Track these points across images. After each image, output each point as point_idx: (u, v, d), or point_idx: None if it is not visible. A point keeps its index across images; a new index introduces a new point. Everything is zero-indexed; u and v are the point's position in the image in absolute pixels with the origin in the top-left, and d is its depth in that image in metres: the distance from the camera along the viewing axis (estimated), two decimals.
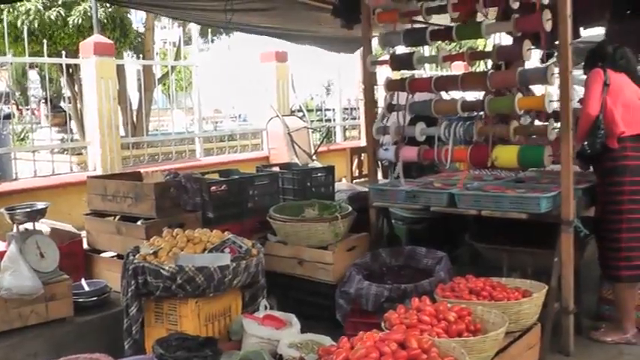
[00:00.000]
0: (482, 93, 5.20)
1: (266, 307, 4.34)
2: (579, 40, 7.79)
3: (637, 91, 4.97)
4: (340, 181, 8.75)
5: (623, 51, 5.04)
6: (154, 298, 4.17)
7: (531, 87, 5.46)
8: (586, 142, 4.76)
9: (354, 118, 15.47)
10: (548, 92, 4.80)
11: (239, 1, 6.54)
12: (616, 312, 5.08)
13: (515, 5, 4.72)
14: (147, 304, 4.25)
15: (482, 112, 4.97)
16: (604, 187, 4.90)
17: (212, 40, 19.69)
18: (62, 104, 16.65)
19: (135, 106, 14.94)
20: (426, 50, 9.93)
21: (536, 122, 5.27)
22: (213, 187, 5.56)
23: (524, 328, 4.02)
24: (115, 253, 5.46)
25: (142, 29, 16.58)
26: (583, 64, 5.12)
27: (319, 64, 15.75)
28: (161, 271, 4.03)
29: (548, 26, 4.52)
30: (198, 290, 4.05)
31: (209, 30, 16.66)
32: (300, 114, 12.37)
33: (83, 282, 4.97)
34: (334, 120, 14.77)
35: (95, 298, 4.83)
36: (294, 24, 7.99)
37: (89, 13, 12.34)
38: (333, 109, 15.27)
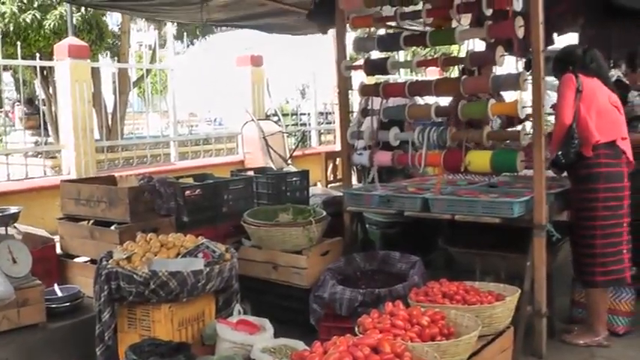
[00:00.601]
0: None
1: (240, 312, 4.34)
2: (553, 47, 7.86)
3: (610, 95, 5.00)
4: (315, 185, 8.76)
5: (593, 53, 5.05)
6: (127, 303, 4.15)
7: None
8: (560, 152, 4.78)
9: (329, 123, 15.49)
10: (521, 98, 4.83)
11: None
12: (588, 315, 5.14)
13: (489, 12, 4.74)
14: (120, 310, 4.22)
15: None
16: (578, 194, 4.94)
17: (192, 43, 19.63)
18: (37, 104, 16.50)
19: (110, 109, 14.87)
20: (401, 55, 9.99)
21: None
22: (187, 192, 5.55)
23: (497, 331, 4.03)
24: (89, 258, 5.42)
25: (117, 32, 16.51)
26: (552, 68, 5.14)
27: (295, 68, 15.75)
28: (134, 276, 4.01)
29: (520, 33, 4.55)
30: (172, 295, 4.04)
31: (184, 33, 16.63)
32: (276, 118, 12.37)
33: (56, 287, 4.93)
34: (309, 124, 14.78)
35: (68, 304, 4.79)
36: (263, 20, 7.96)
37: (65, 17, 12.29)
38: (309, 114, 15.29)
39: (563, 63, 5.01)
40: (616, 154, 4.87)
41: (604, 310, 5.04)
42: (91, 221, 5.54)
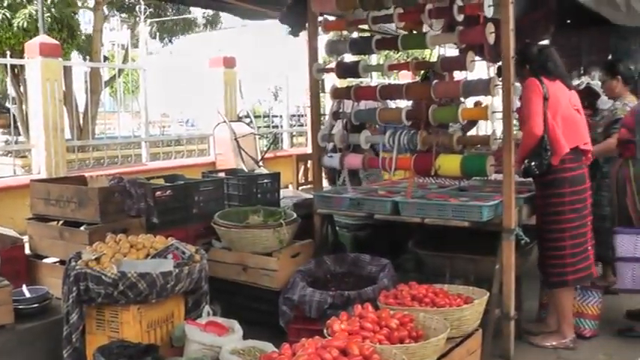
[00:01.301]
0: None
1: (209, 313, 4.33)
2: None
3: (570, 97, 5.07)
4: (287, 187, 8.76)
5: (548, 52, 5.12)
6: (95, 304, 4.13)
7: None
8: (533, 163, 4.82)
9: (302, 125, 15.48)
10: (491, 103, 4.87)
11: None
12: (551, 317, 5.24)
13: (460, 17, 4.77)
14: (88, 311, 4.19)
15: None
16: (545, 199, 5.00)
17: (170, 41, 19.55)
18: (7, 105, 16.37)
19: (82, 109, 14.75)
20: (375, 58, 10.01)
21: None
22: (157, 193, 5.50)
23: (465, 333, 4.07)
24: (58, 259, 5.38)
25: (90, 31, 16.39)
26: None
27: (268, 70, 15.68)
28: (103, 277, 3.99)
29: (491, 39, 4.58)
30: (141, 296, 4.03)
31: (157, 33, 16.55)
32: (248, 120, 12.35)
33: (24, 288, 4.88)
34: (281, 126, 14.77)
35: (36, 305, 4.75)
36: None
37: (35, 16, 12.18)
38: (281, 116, 15.27)
39: (519, 62, 4.99)
40: (577, 158, 4.99)
41: (570, 311, 5.13)
42: (61, 222, 5.51)
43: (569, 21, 7.47)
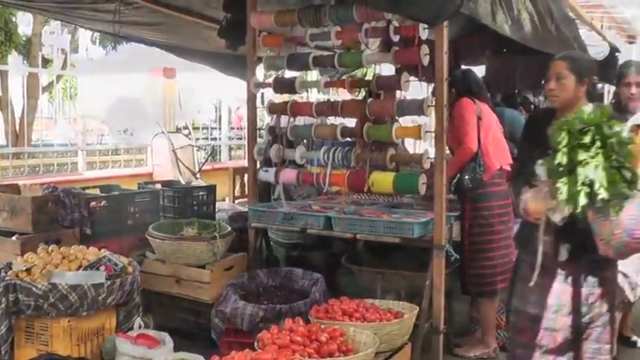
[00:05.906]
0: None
1: (140, 326, 4.32)
2: None
3: (495, 119, 5.33)
4: (223, 200, 8.76)
5: (472, 75, 5.38)
6: (25, 317, 4.09)
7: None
8: (467, 177, 5.00)
9: (240, 139, 15.44)
10: (425, 122, 4.98)
11: (126, 14, 6.42)
12: (481, 328, 5.38)
13: (396, 38, 4.87)
14: (18, 324, 4.15)
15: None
16: (474, 212, 5.15)
17: (114, 48, 19.32)
18: None
19: (19, 114, 14.49)
20: (315, 75, 10.04)
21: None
22: (92, 203, 5.48)
23: (395, 347, 4.14)
24: None
25: (29, 33, 16.13)
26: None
27: (209, 82, 15.59)
28: (33, 288, 3.96)
29: (425, 60, 4.66)
30: (72, 309, 4.00)
31: (97, 40, 16.37)
32: (186, 131, 12.32)
33: None
34: (220, 139, 14.73)
35: None
36: (183, 39, 7.90)
37: None
38: (220, 128, 15.23)
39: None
40: (501, 175, 5.21)
41: (493, 322, 5.30)
42: None
43: (505, 50, 7.65)
